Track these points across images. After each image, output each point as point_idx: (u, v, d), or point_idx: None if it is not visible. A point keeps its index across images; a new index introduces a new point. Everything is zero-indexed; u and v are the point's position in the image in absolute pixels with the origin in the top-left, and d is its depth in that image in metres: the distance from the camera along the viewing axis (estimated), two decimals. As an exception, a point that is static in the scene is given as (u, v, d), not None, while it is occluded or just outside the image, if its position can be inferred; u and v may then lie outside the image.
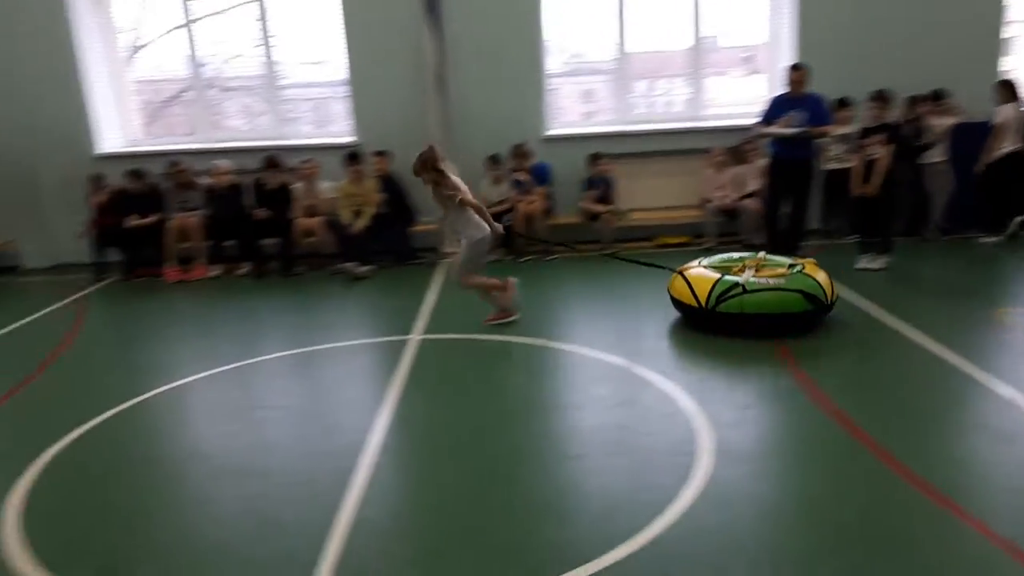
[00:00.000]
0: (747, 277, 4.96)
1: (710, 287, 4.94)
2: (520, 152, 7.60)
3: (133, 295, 6.94)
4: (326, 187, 7.44)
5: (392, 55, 7.63)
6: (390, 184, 7.47)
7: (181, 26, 8.12)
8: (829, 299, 4.96)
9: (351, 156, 7.37)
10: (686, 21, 8.05)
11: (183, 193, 7.45)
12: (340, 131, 8.42)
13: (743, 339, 4.82)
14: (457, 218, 5.23)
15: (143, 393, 4.48)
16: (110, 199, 7.37)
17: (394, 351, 4.99)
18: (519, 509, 3.09)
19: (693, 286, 5.05)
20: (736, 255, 5.52)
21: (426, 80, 7.49)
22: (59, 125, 7.73)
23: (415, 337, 5.25)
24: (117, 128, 8.15)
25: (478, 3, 7.56)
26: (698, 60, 8.21)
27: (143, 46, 8.63)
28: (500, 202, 7.53)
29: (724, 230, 7.63)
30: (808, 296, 4.83)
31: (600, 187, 7.68)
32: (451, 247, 7.65)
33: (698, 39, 8.13)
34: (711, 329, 4.99)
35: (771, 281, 4.89)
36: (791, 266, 5.12)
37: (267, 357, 5.09)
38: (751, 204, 7.36)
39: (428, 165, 5.08)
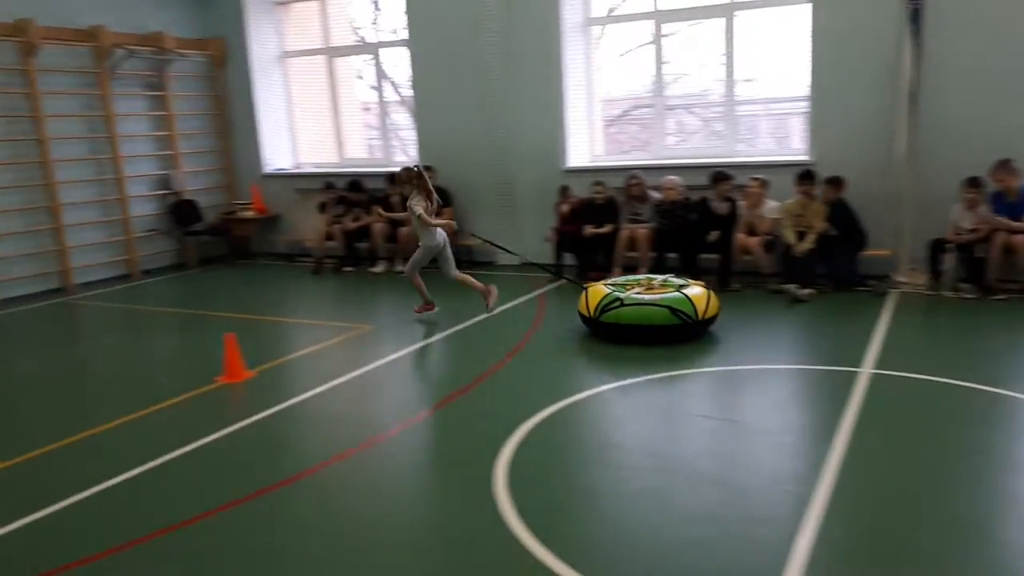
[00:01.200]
0: (629, 294, 5.79)
1: (598, 300, 5.78)
2: (1007, 170, 6.57)
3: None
4: (771, 206, 7.34)
5: (861, 69, 7.21)
6: (839, 209, 7.08)
7: (644, 45, 8.73)
8: (700, 315, 5.64)
9: (802, 176, 7.16)
10: None
11: (636, 205, 7.98)
12: (794, 149, 8.26)
13: None
14: (418, 227, 6.55)
15: (594, 387, 4.92)
16: (572, 209, 8.22)
17: (841, 383, 4.73)
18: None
19: (588, 298, 5.93)
20: (644, 277, 6.40)
21: (898, 96, 6.94)
22: (538, 141, 8.84)
23: (866, 370, 4.91)
24: (584, 144, 9.05)
25: (969, 10, 6.77)
26: None
27: (604, 65, 9.43)
28: (973, 230, 6.65)
29: None
30: (674, 311, 5.59)
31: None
32: (903, 276, 7.02)
33: None
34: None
35: (646, 297, 5.71)
36: (680, 287, 5.91)
37: (701, 369, 5.23)
38: None
39: (407, 180, 6.61)
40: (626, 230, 7.92)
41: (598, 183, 8.13)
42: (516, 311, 7.11)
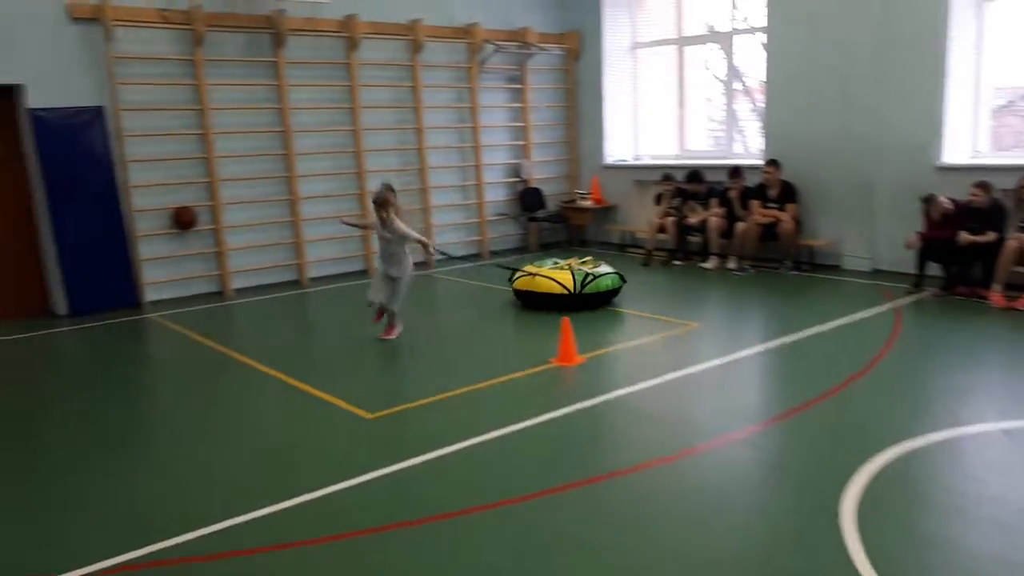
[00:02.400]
0: (588, 270, 7.25)
1: (572, 279, 7.11)
2: None
3: (948, 314, 6.63)
4: None
5: None
6: None
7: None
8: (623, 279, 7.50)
9: None
10: None
11: (1029, 212, 6.73)
12: None
13: None
14: (397, 251, 6.30)
15: (970, 423, 4.23)
16: (945, 213, 7.16)
17: None
18: None
19: (559, 280, 7.11)
20: (552, 260, 7.64)
21: None
22: (907, 133, 7.87)
23: None
24: (964, 138, 7.86)
25: None
26: None
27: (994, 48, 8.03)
28: None
29: None
30: (620, 276, 7.42)
31: None
32: None
33: None
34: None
35: (603, 269, 7.35)
36: (590, 262, 7.54)
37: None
38: None
39: (386, 203, 6.19)
40: (1014, 240, 6.70)
41: (980, 184, 6.97)
42: (867, 324, 6.39)
